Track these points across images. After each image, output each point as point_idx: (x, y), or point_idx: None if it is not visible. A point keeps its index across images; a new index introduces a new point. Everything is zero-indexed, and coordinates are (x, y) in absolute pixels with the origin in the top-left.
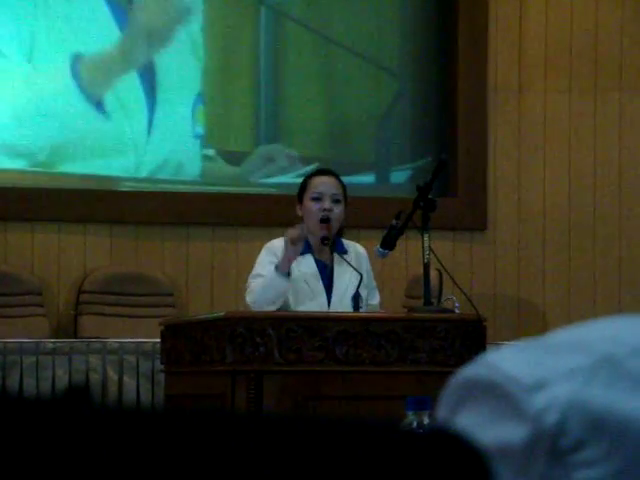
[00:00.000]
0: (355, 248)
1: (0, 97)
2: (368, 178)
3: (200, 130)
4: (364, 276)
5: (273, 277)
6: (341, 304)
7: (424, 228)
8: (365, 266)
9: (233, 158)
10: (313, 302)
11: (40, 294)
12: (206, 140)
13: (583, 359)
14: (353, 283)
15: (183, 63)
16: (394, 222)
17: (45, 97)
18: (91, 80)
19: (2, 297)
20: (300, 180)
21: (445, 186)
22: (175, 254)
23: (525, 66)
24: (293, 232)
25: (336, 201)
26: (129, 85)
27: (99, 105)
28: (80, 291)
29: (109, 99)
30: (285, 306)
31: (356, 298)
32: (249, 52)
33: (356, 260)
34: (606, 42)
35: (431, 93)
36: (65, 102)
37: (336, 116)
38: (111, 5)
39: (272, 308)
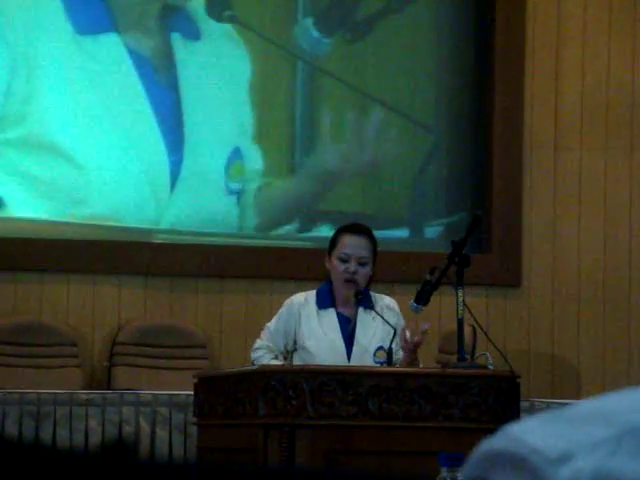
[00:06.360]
0: (383, 301)
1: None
2: (402, 233)
3: (235, 185)
4: (395, 330)
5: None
6: (362, 359)
7: (458, 284)
8: (394, 320)
9: (269, 211)
10: (331, 354)
11: (74, 345)
12: (242, 193)
13: (607, 430)
14: (377, 338)
15: (218, 115)
16: (428, 277)
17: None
18: None
19: (37, 348)
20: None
21: (479, 242)
22: (209, 307)
23: (561, 124)
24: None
25: (363, 264)
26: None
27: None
28: (114, 343)
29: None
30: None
31: (389, 354)
32: (285, 106)
33: (384, 314)
34: None
35: (466, 149)
36: None
37: (371, 171)
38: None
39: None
